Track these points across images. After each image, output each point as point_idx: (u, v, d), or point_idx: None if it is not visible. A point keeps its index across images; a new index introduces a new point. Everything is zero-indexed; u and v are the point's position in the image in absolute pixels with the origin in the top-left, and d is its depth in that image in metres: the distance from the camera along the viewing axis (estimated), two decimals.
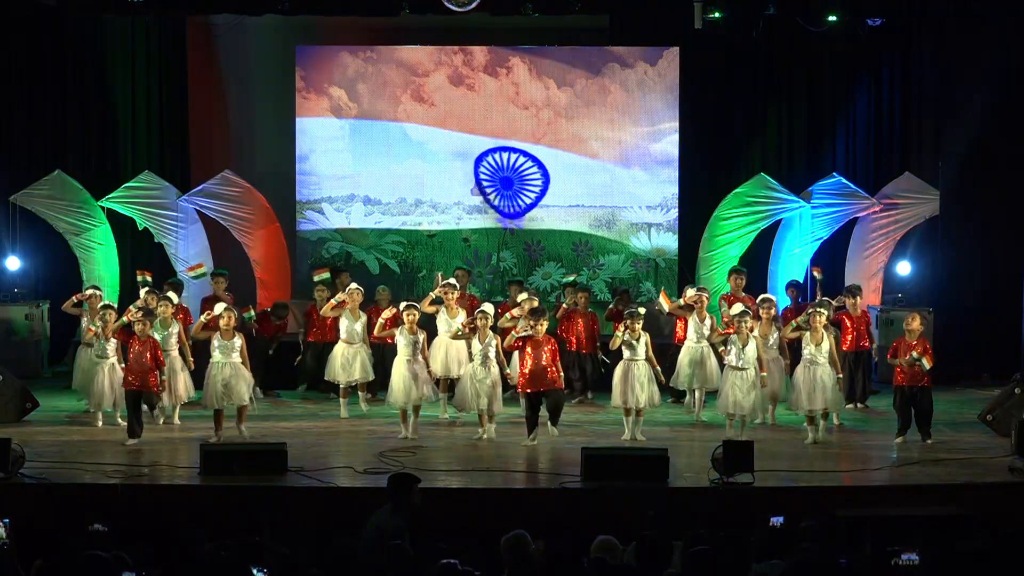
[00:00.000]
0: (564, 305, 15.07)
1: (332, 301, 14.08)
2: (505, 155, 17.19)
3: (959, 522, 9.26)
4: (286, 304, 15.59)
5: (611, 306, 15.21)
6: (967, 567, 7.27)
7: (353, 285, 14.21)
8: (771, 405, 13.58)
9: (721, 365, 13.35)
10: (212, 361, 12.55)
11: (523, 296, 13.97)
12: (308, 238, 17.23)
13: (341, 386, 14.09)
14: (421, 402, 12.93)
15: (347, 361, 13.97)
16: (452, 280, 14.17)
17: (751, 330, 13.01)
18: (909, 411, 12.71)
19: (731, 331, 12.89)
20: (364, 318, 14.10)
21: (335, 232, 17.24)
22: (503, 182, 17.20)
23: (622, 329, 12.78)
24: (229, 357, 12.48)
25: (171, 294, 13.77)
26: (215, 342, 12.54)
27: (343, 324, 14.04)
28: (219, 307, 12.82)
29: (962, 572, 7.35)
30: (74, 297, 14.41)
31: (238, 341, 12.56)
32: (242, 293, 15.72)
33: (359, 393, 14.14)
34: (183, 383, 13.35)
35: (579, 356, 14.93)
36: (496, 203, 17.23)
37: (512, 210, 17.23)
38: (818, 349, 12.77)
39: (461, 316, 13.78)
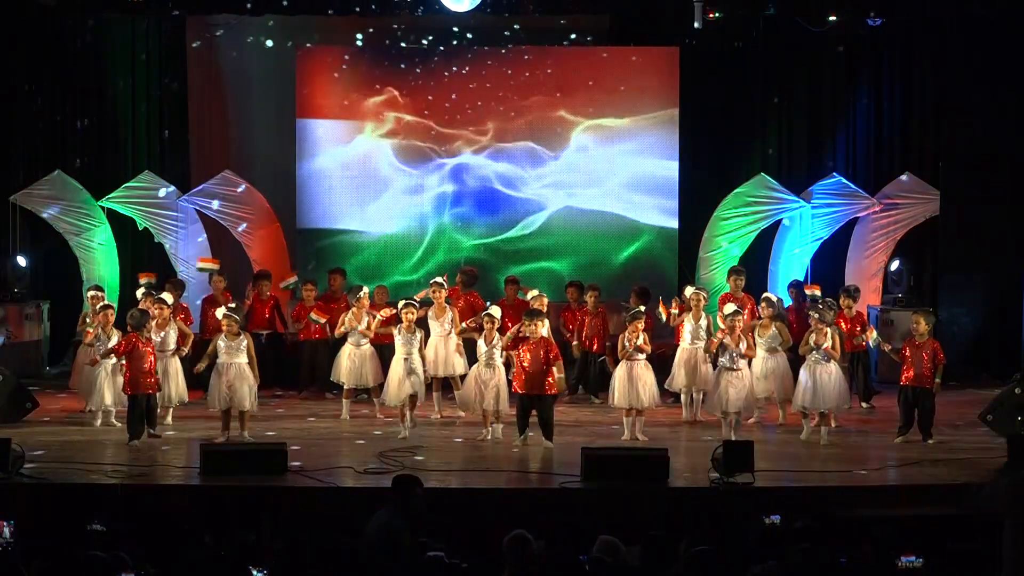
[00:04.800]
0: (589, 304, 15.01)
1: (380, 317, 14.00)
2: (505, 153, 17.20)
3: (959, 522, 9.26)
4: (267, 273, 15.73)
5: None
6: (967, 567, 7.29)
7: (365, 290, 14.18)
8: (781, 407, 13.58)
9: (714, 366, 13.35)
10: (218, 362, 12.55)
11: (534, 293, 14.00)
12: (309, 238, 17.22)
13: (346, 387, 14.07)
14: (415, 396, 12.90)
15: (355, 364, 13.94)
16: (440, 279, 14.18)
17: (750, 330, 13.01)
18: (911, 411, 12.73)
19: (724, 332, 12.87)
20: (370, 319, 14.05)
21: (335, 232, 17.23)
22: (500, 180, 17.19)
23: (628, 337, 12.77)
24: (234, 358, 12.47)
25: (165, 295, 13.72)
26: (221, 343, 12.53)
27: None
28: (219, 312, 12.80)
29: (962, 572, 7.37)
30: (77, 329, 14.34)
31: (244, 341, 12.54)
32: (241, 293, 15.70)
33: (374, 400, 14.09)
34: (177, 385, 13.30)
35: (586, 356, 14.93)
36: (492, 203, 17.23)
37: (507, 205, 17.22)
38: (819, 349, 12.75)
39: (449, 315, 13.80)
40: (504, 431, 12.77)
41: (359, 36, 17.62)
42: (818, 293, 14.71)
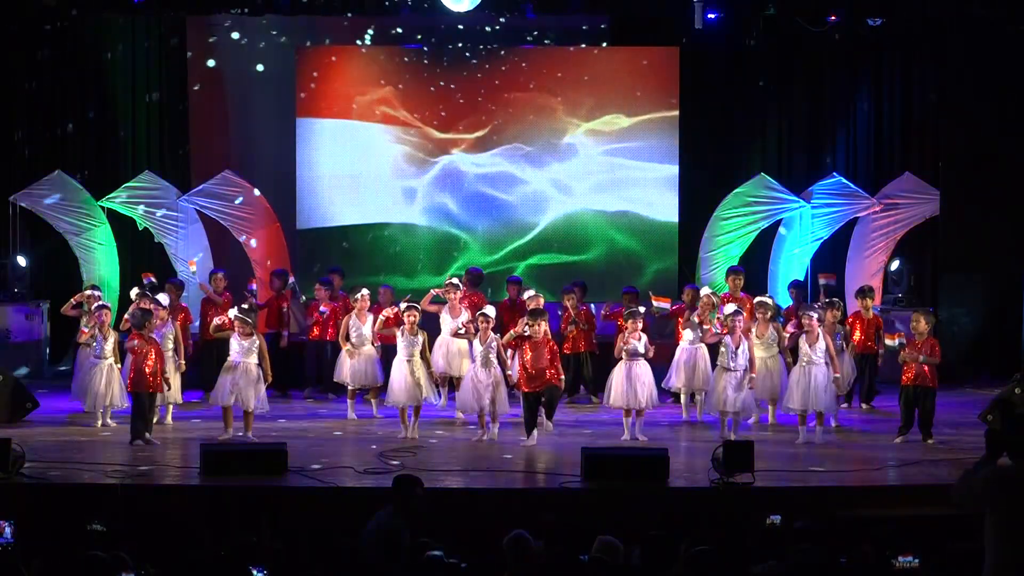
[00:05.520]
0: (569, 307, 15.05)
1: (383, 317, 13.98)
2: (504, 152, 17.20)
3: (958, 522, 9.26)
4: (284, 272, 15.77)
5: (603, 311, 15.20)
6: (965, 567, 7.29)
7: (364, 291, 14.17)
8: (771, 405, 13.62)
9: (714, 365, 13.35)
10: (228, 359, 12.56)
11: (530, 293, 14.00)
12: (309, 238, 17.22)
13: (350, 388, 14.07)
14: (421, 403, 12.94)
15: (358, 365, 13.93)
16: (455, 280, 14.19)
17: (747, 331, 13.01)
18: (912, 411, 12.72)
19: (724, 332, 12.87)
20: (371, 320, 14.06)
21: (335, 231, 17.23)
22: (498, 179, 17.21)
23: (626, 335, 12.79)
24: (245, 357, 12.47)
25: (162, 296, 13.71)
26: (233, 342, 12.55)
27: (352, 327, 13.98)
28: (232, 312, 12.79)
29: (960, 572, 7.37)
30: (72, 300, 14.36)
31: (256, 342, 12.55)
32: (242, 294, 15.68)
33: (372, 400, 14.10)
34: (174, 385, 13.31)
35: (576, 356, 14.93)
36: (491, 203, 17.24)
37: (506, 206, 17.23)
38: (813, 350, 12.76)
39: (464, 316, 13.79)
40: (502, 431, 12.79)
41: (359, 35, 17.62)
42: (831, 282, 14.76)
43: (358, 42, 17.59)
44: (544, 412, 12.49)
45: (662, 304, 14.20)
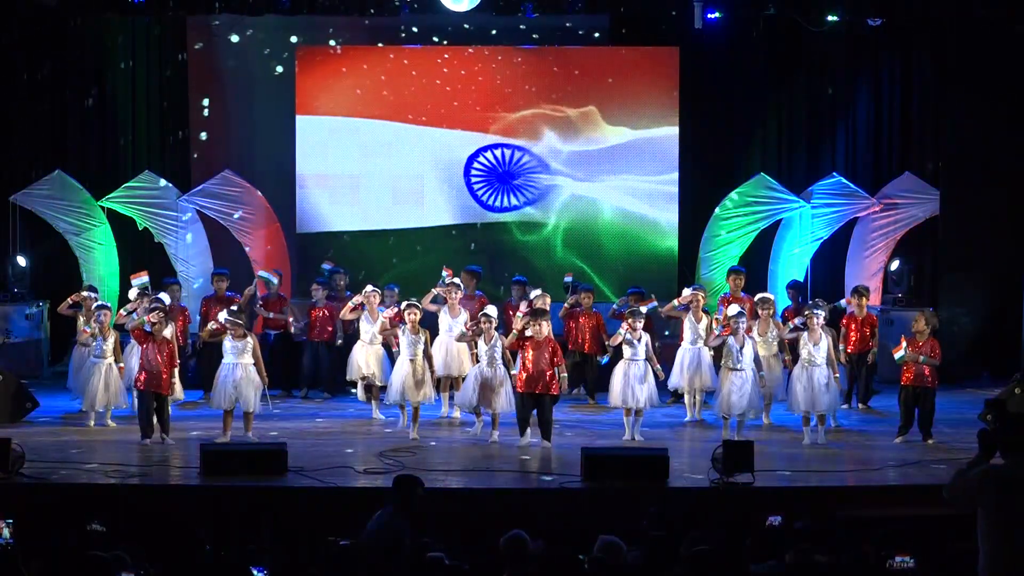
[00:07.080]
0: (566, 304, 15.06)
1: (350, 304, 14.04)
2: (505, 151, 17.19)
3: (958, 522, 9.27)
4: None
5: (614, 306, 15.18)
6: (963, 567, 7.30)
7: (369, 288, 14.14)
8: (768, 404, 13.62)
9: (717, 366, 13.35)
10: (223, 362, 12.56)
11: (536, 292, 14.01)
12: (308, 238, 17.22)
13: (362, 385, 14.07)
14: (421, 402, 12.94)
15: (366, 360, 13.94)
16: (456, 280, 14.18)
17: (749, 331, 13.01)
18: (912, 411, 12.72)
19: (727, 333, 12.87)
20: (382, 318, 14.05)
21: (335, 232, 17.24)
22: (500, 178, 17.20)
23: (624, 328, 12.82)
24: (240, 358, 12.47)
25: (163, 295, 13.72)
26: (226, 343, 12.54)
27: (362, 326, 14.00)
28: (222, 316, 12.78)
29: (958, 572, 7.38)
30: (69, 299, 14.35)
31: (250, 342, 12.56)
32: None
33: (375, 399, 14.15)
34: (176, 385, 13.31)
35: (582, 356, 14.93)
36: (491, 202, 17.23)
37: (507, 205, 17.22)
38: (816, 349, 12.76)
39: (463, 316, 13.79)
40: (504, 430, 12.78)
41: (359, 34, 17.61)
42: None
43: (358, 41, 17.54)
44: (540, 431, 12.41)
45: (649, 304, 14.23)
